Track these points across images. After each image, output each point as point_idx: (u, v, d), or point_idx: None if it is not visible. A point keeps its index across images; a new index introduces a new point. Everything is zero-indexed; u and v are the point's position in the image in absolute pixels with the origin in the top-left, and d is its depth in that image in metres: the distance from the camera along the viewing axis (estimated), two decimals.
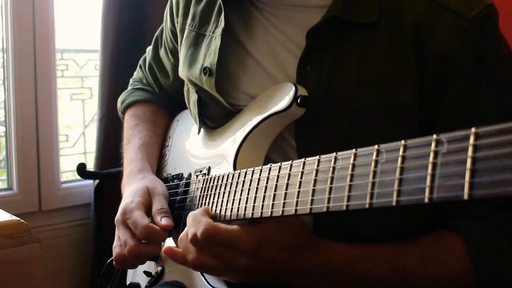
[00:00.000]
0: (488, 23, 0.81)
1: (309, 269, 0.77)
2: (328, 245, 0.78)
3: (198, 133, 1.04)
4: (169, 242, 1.03)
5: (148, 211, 0.94)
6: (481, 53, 0.81)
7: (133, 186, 1.00)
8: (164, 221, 0.91)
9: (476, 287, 0.78)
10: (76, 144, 2.12)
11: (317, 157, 0.66)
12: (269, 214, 0.72)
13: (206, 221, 0.77)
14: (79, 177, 1.72)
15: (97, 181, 1.81)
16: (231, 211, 0.81)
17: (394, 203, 0.51)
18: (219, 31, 0.94)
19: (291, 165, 0.71)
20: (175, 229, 0.99)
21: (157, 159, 1.16)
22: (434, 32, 0.81)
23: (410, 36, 0.82)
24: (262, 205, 0.74)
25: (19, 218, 1.10)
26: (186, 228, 0.82)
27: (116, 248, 0.94)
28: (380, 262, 0.78)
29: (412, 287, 0.79)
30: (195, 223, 0.78)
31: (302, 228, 0.79)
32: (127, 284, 1.13)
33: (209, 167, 0.97)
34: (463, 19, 0.80)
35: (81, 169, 1.63)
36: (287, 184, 0.70)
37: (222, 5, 0.93)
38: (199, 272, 0.89)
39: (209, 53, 0.95)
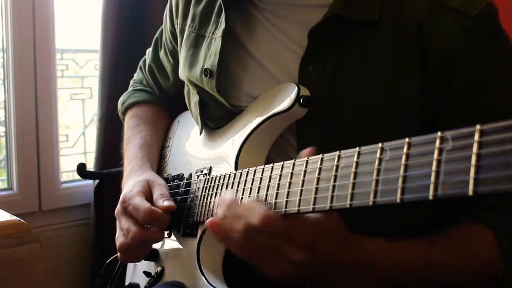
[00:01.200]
0: (490, 20, 0.81)
1: (355, 264, 0.73)
2: (369, 241, 0.75)
3: (200, 134, 1.04)
4: (169, 244, 1.03)
5: (148, 199, 0.93)
6: (484, 51, 0.81)
7: (132, 180, 1.00)
8: (166, 202, 0.90)
9: (505, 277, 0.78)
10: (76, 144, 2.12)
11: (320, 155, 0.66)
12: None
13: (262, 208, 0.71)
14: (79, 177, 1.72)
15: (97, 181, 1.81)
16: None
17: (398, 200, 0.51)
18: (219, 32, 0.93)
19: (294, 163, 0.70)
20: (175, 230, 0.99)
21: (157, 159, 1.16)
22: (437, 31, 0.81)
23: (412, 35, 0.82)
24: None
25: (19, 218, 1.10)
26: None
27: (119, 239, 0.94)
28: (412, 256, 0.77)
29: (443, 279, 0.77)
30: (247, 211, 0.72)
31: (344, 226, 0.74)
32: (127, 284, 1.13)
33: (210, 167, 0.97)
34: (466, 17, 0.80)
35: (81, 169, 1.63)
36: (290, 182, 0.70)
37: (222, 6, 0.93)
38: (200, 272, 0.88)
39: (210, 54, 0.95)
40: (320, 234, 0.71)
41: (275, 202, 0.71)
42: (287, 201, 0.69)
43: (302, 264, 0.71)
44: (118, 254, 0.96)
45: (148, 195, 0.94)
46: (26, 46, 1.82)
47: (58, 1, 1.92)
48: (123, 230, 0.93)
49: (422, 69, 0.82)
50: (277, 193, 0.71)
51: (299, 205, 0.66)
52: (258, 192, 0.76)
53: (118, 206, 0.94)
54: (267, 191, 0.74)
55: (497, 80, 0.82)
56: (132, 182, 0.98)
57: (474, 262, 0.78)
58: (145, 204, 0.90)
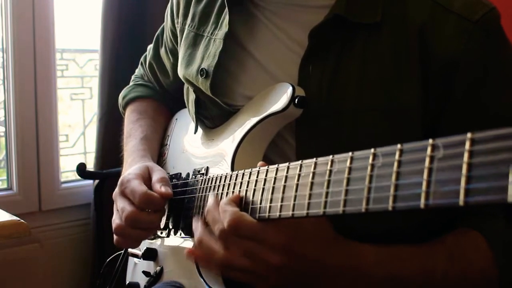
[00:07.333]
0: (492, 25, 0.81)
1: (341, 270, 0.73)
2: (357, 246, 0.75)
3: (195, 132, 1.04)
4: (168, 244, 1.03)
5: (147, 184, 0.93)
6: (486, 56, 0.80)
7: (133, 167, 1.00)
8: (163, 188, 0.91)
9: (499, 282, 0.77)
10: (76, 144, 2.12)
11: (314, 159, 0.65)
12: (267, 217, 0.71)
13: (232, 210, 0.72)
14: (79, 177, 1.72)
15: (97, 181, 1.81)
16: None
17: (390, 208, 0.50)
18: (220, 34, 0.93)
19: (288, 167, 0.70)
20: (174, 230, 0.99)
21: (157, 155, 1.17)
22: (439, 34, 0.80)
23: (414, 39, 0.81)
24: (260, 208, 0.73)
25: (19, 218, 1.10)
26: (206, 223, 0.78)
27: (115, 221, 0.94)
28: (410, 262, 0.76)
29: (442, 286, 0.77)
30: (221, 213, 0.74)
31: (331, 228, 0.74)
32: (126, 284, 1.13)
33: (207, 167, 0.97)
34: (468, 22, 0.80)
35: (81, 169, 1.63)
36: (284, 186, 0.69)
37: (227, 8, 0.92)
38: (198, 272, 0.88)
39: (208, 55, 0.94)
40: (295, 236, 0.71)
41: (270, 206, 0.71)
42: (281, 206, 0.69)
43: (281, 269, 0.71)
44: (115, 238, 0.95)
45: (146, 180, 0.95)
46: (26, 46, 1.82)
47: (58, 1, 1.92)
48: (118, 212, 0.93)
49: (423, 73, 0.81)
50: (271, 198, 0.71)
51: (293, 210, 0.66)
52: (253, 195, 0.75)
53: (116, 189, 0.95)
54: (262, 194, 0.73)
55: (498, 85, 0.82)
56: (131, 168, 0.99)
57: (471, 269, 0.77)
58: (142, 187, 0.90)
